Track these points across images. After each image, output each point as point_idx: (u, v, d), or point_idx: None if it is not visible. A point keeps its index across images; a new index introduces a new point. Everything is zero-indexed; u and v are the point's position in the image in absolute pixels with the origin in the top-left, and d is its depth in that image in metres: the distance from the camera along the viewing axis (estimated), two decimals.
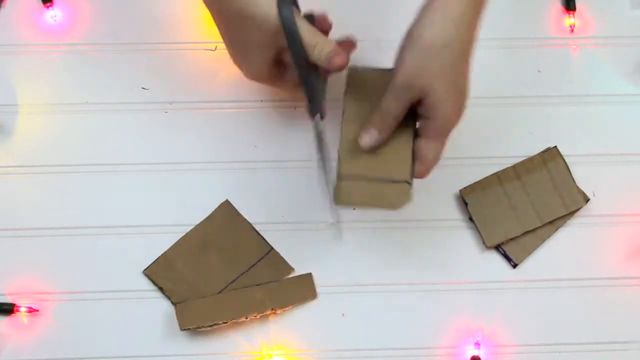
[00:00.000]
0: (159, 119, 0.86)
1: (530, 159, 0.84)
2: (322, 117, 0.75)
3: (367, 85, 0.74)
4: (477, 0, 0.68)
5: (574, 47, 0.89)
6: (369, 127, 0.71)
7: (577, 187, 0.83)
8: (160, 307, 0.81)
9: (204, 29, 0.89)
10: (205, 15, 0.89)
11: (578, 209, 0.83)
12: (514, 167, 0.84)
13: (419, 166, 0.72)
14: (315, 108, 0.74)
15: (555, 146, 0.85)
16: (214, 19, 0.73)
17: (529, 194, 0.83)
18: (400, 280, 0.82)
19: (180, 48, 0.88)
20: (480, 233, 0.82)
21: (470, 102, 0.86)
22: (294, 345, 0.80)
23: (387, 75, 0.71)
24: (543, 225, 0.82)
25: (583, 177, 0.84)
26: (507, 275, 0.82)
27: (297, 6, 0.73)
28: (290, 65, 0.76)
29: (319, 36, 0.71)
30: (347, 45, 0.76)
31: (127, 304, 0.81)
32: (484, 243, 0.82)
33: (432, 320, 0.81)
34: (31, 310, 0.80)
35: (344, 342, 0.80)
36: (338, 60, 0.71)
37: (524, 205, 0.83)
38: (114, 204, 0.83)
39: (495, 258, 0.83)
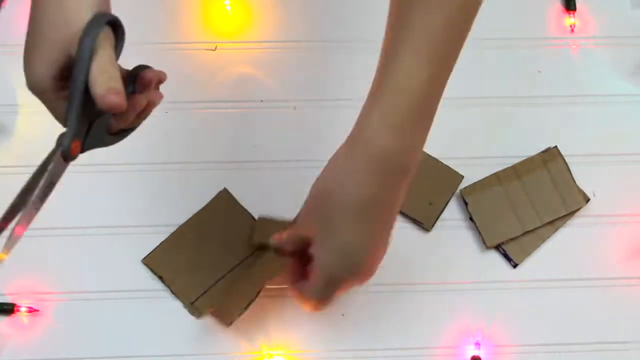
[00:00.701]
0: (159, 119, 0.86)
1: (530, 159, 0.84)
2: (66, 157, 0.65)
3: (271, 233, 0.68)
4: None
5: (574, 47, 0.89)
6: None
7: (577, 187, 0.83)
8: (160, 307, 0.81)
9: (204, 29, 0.89)
10: (205, 15, 0.89)
11: (578, 209, 0.83)
12: (514, 167, 0.84)
13: (291, 288, 0.65)
14: (66, 142, 0.63)
15: (556, 146, 0.85)
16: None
17: (529, 194, 0.83)
18: (400, 280, 0.82)
19: (180, 48, 0.88)
20: (480, 233, 0.82)
21: (471, 102, 0.86)
22: (294, 345, 0.80)
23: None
24: (543, 225, 0.82)
25: (583, 177, 0.84)
26: (507, 275, 0.82)
27: (119, 35, 0.64)
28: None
29: (114, 71, 0.60)
30: (152, 97, 0.67)
31: (127, 304, 0.81)
32: (484, 243, 0.82)
33: (432, 320, 0.81)
34: (31, 310, 0.80)
35: (344, 342, 0.80)
36: (113, 99, 0.59)
37: (524, 205, 0.82)
38: (114, 203, 0.83)
39: (495, 258, 0.83)
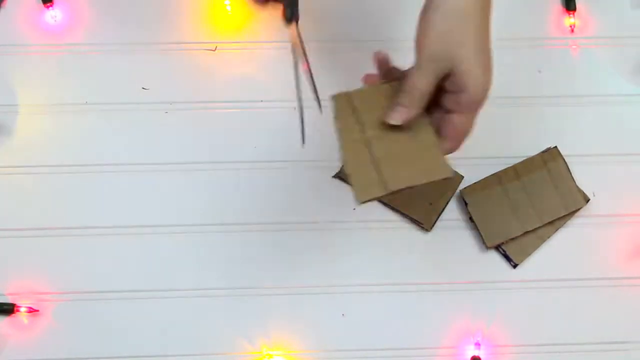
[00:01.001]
0: (159, 119, 0.86)
1: (530, 159, 0.84)
2: (296, 22, 0.73)
3: (357, 103, 0.70)
4: None
5: (574, 47, 0.89)
6: (396, 106, 0.67)
7: (577, 187, 0.83)
8: (160, 307, 0.81)
9: (204, 29, 0.89)
10: (205, 15, 0.89)
11: (578, 209, 0.83)
12: (514, 167, 0.84)
13: (451, 143, 0.69)
14: (293, 13, 0.73)
15: (555, 146, 0.85)
16: None
17: (529, 194, 0.83)
18: (401, 280, 0.82)
19: (180, 48, 0.88)
20: (480, 233, 0.82)
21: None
22: (294, 345, 0.80)
23: (376, 89, 0.69)
24: (543, 225, 0.82)
25: (583, 177, 0.84)
26: (507, 275, 0.82)
27: None
28: None
29: None
30: None
31: (126, 304, 0.81)
32: (484, 243, 0.82)
33: (432, 320, 0.81)
34: (31, 310, 0.80)
35: (344, 342, 0.80)
36: None
37: (524, 205, 0.83)
38: (114, 203, 0.83)
39: (495, 258, 0.83)
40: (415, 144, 0.69)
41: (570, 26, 0.89)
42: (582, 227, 0.84)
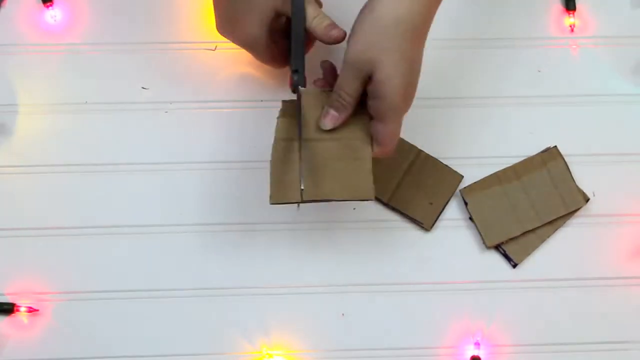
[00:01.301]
0: (159, 119, 0.86)
1: (530, 159, 0.84)
2: (303, 86, 0.75)
3: (304, 107, 0.74)
4: None
5: (574, 47, 0.89)
6: (328, 109, 0.72)
7: (577, 186, 0.83)
8: (160, 307, 0.81)
9: (204, 29, 0.88)
10: (205, 15, 0.89)
11: (578, 209, 0.83)
12: (514, 167, 0.84)
13: (379, 148, 0.72)
14: (300, 80, 0.74)
15: (555, 146, 0.85)
16: None
17: (528, 194, 0.83)
18: (401, 280, 0.82)
19: (180, 48, 0.88)
20: (480, 233, 0.82)
21: (471, 102, 0.86)
22: (294, 345, 0.80)
23: (321, 93, 0.73)
24: (543, 225, 0.82)
25: (583, 177, 0.84)
26: (507, 275, 0.82)
27: None
28: (280, 35, 0.78)
29: (319, 11, 0.75)
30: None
31: (126, 304, 0.81)
32: (483, 243, 0.82)
33: (432, 320, 0.81)
34: (31, 310, 0.80)
35: (344, 342, 0.80)
36: (335, 32, 0.73)
37: (524, 205, 0.83)
38: (114, 203, 0.83)
39: (495, 258, 0.83)
40: (349, 153, 0.72)
41: (570, 26, 0.89)
42: (582, 227, 0.84)
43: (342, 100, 0.70)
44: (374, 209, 0.84)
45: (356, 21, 0.69)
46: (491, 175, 0.84)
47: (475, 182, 0.84)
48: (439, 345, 0.80)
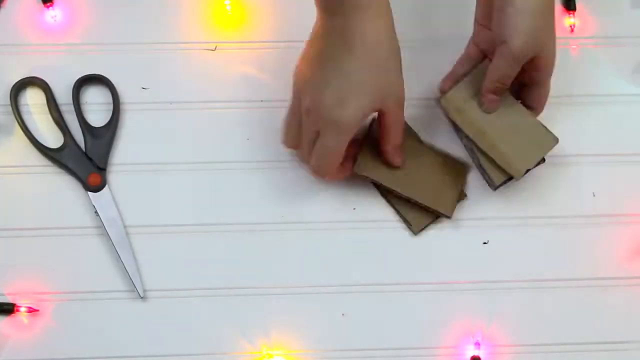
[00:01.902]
0: (158, 118, 0.86)
1: None
2: None
3: (459, 102, 0.81)
4: None
5: (574, 47, 0.89)
6: (487, 94, 0.79)
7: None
8: (160, 307, 0.81)
9: (204, 29, 0.89)
10: (205, 15, 0.89)
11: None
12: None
13: (539, 109, 0.82)
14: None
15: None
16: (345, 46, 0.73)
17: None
18: (401, 280, 0.82)
19: (180, 48, 0.88)
20: (486, 170, 0.82)
21: None
22: (294, 345, 0.80)
23: (474, 75, 0.81)
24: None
25: (583, 177, 0.85)
26: (507, 275, 0.82)
27: None
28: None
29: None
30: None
31: (126, 304, 0.81)
32: (497, 180, 0.81)
33: (432, 320, 0.81)
34: (31, 310, 0.80)
35: (344, 342, 0.80)
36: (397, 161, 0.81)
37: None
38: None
39: (495, 258, 0.83)
40: (448, 170, 0.83)
41: (570, 26, 0.89)
42: (582, 227, 0.84)
43: (504, 85, 0.78)
44: (374, 209, 0.84)
45: (504, 14, 0.74)
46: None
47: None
48: (439, 345, 0.80)
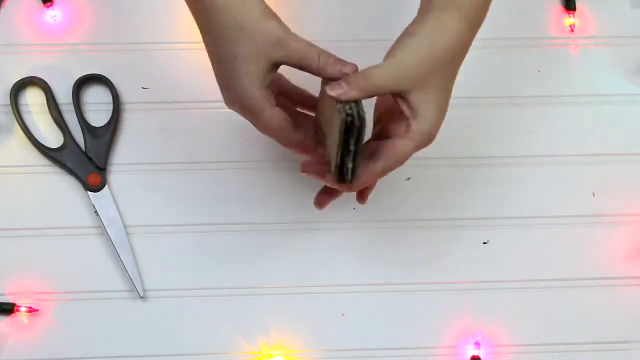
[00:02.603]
0: (158, 118, 0.86)
1: None
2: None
3: None
4: (472, 21, 0.68)
5: (574, 47, 0.89)
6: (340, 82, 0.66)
7: None
8: (160, 307, 0.81)
9: None
10: None
11: None
12: None
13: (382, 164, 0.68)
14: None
15: None
16: (204, 39, 0.69)
17: None
18: (401, 280, 0.82)
19: (180, 48, 0.88)
20: None
21: (470, 102, 0.86)
22: (294, 345, 0.80)
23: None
24: None
25: (583, 177, 0.85)
26: (507, 275, 0.82)
27: None
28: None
29: (313, 45, 0.67)
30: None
31: (126, 304, 0.81)
32: None
33: (432, 320, 0.81)
34: (31, 310, 0.80)
35: (344, 342, 0.80)
36: (349, 68, 0.66)
37: None
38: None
39: (495, 258, 0.83)
40: None
41: (570, 26, 0.89)
42: (581, 227, 0.84)
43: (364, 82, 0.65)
44: (373, 209, 0.84)
45: (401, 42, 0.67)
46: None
47: None
48: (439, 345, 0.80)
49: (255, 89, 0.66)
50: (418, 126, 0.67)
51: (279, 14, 0.68)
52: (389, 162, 0.67)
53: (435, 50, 0.66)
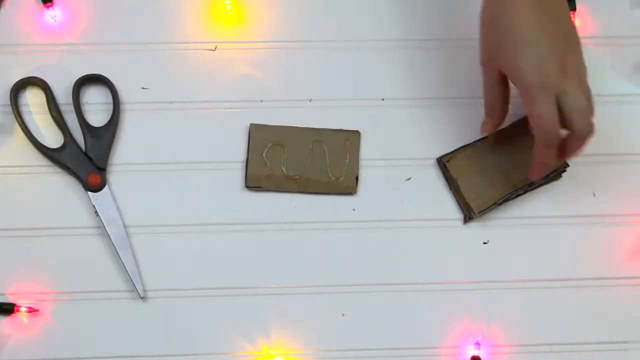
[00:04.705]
0: (158, 118, 0.86)
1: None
2: None
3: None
4: None
5: None
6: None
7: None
8: (160, 307, 0.81)
9: (204, 29, 0.89)
10: (205, 15, 0.89)
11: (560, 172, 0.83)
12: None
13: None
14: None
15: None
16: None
17: (511, 157, 0.82)
18: (401, 280, 0.82)
19: (180, 48, 0.88)
20: (462, 204, 0.82)
21: (469, 102, 0.86)
22: (294, 345, 0.80)
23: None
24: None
25: (583, 177, 0.85)
26: (507, 275, 0.82)
27: None
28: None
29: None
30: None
31: (126, 304, 0.81)
32: (468, 212, 0.82)
33: (432, 320, 0.81)
34: (31, 310, 0.80)
35: (344, 342, 0.80)
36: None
37: (507, 166, 0.82)
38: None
39: (496, 258, 0.83)
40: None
41: None
42: (581, 227, 0.84)
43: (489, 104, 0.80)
44: (373, 209, 0.84)
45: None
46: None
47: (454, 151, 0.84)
48: (439, 345, 0.80)
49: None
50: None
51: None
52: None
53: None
